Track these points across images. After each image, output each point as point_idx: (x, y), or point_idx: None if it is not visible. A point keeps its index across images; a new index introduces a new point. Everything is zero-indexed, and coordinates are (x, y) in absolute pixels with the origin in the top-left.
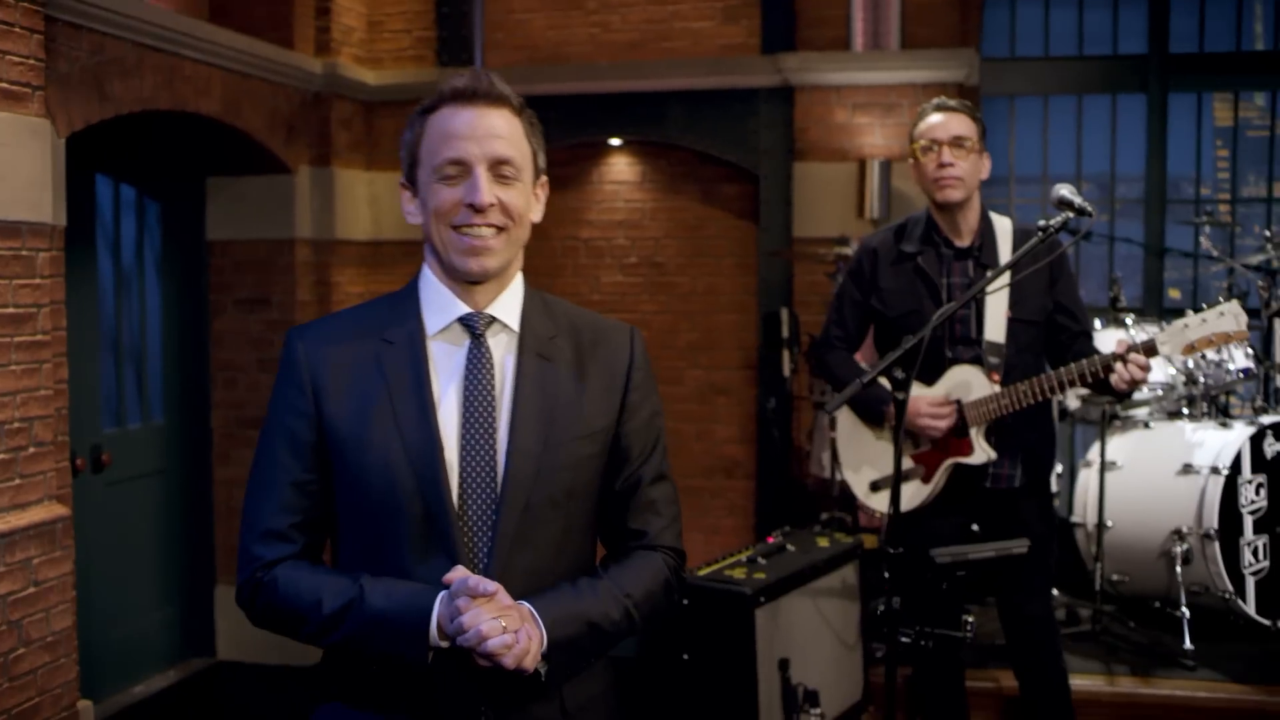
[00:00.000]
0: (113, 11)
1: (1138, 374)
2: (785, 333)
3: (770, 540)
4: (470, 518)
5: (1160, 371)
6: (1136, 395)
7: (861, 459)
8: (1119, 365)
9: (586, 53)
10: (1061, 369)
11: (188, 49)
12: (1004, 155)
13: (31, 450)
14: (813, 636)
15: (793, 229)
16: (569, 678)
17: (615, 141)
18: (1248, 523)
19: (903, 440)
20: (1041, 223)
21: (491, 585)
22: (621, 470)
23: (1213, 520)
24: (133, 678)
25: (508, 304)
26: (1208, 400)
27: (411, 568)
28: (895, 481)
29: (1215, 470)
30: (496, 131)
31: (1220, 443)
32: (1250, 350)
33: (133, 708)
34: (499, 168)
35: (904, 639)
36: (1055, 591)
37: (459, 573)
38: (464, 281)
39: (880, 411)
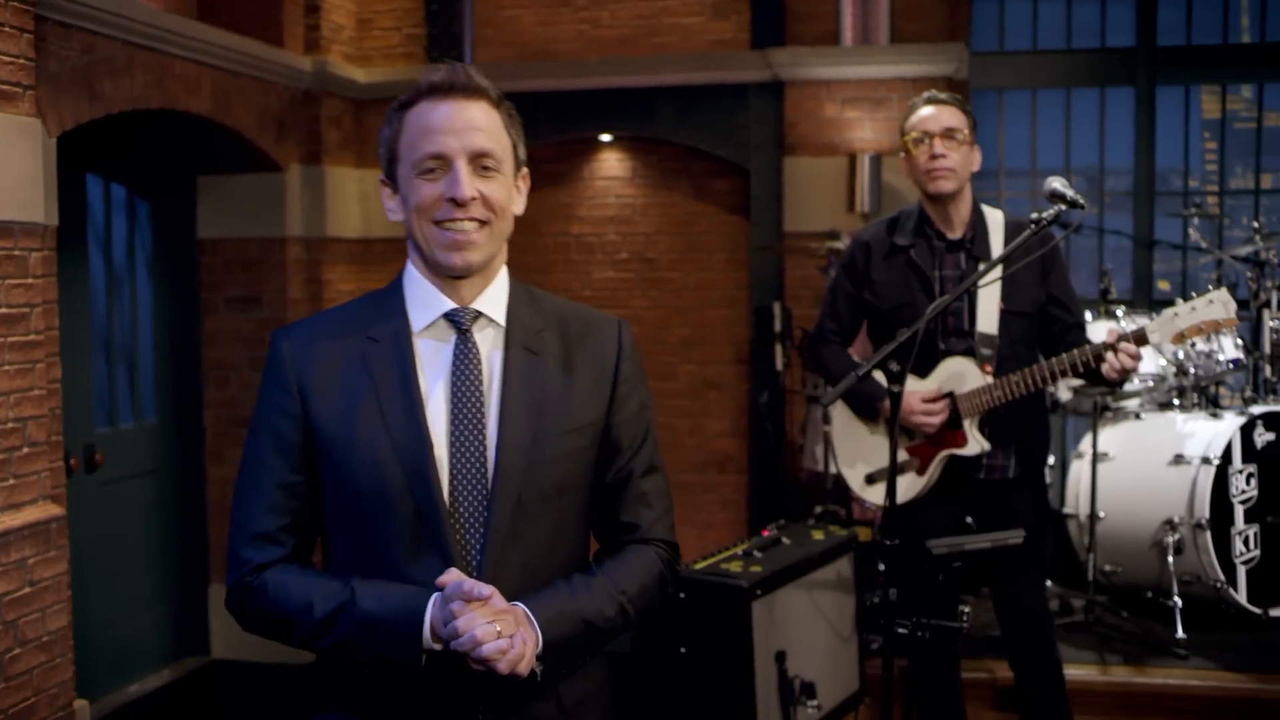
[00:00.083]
0: (102, 10)
1: (1128, 363)
2: (778, 327)
3: (766, 533)
4: (461, 515)
5: (1151, 363)
6: (1127, 386)
7: (857, 453)
8: (1110, 354)
9: (576, 49)
10: (1053, 359)
11: (177, 48)
12: (993, 149)
13: (26, 450)
14: (809, 629)
15: (783, 223)
16: (565, 677)
17: (606, 137)
18: (1238, 512)
19: (896, 435)
20: (1034, 215)
21: (486, 589)
22: (612, 463)
23: (1204, 510)
24: (127, 677)
25: (493, 298)
26: (1198, 391)
27: (403, 567)
28: (891, 474)
29: (1206, 460)
30: (475, 124)
31: (1211, 433)
32: (1240, 341)
33: (128, 707)
34: (479, 160)
35: (900, 630)
36: (1049, 582)
37: (452, 576)
38: (448, 277)
39: (875, 408)
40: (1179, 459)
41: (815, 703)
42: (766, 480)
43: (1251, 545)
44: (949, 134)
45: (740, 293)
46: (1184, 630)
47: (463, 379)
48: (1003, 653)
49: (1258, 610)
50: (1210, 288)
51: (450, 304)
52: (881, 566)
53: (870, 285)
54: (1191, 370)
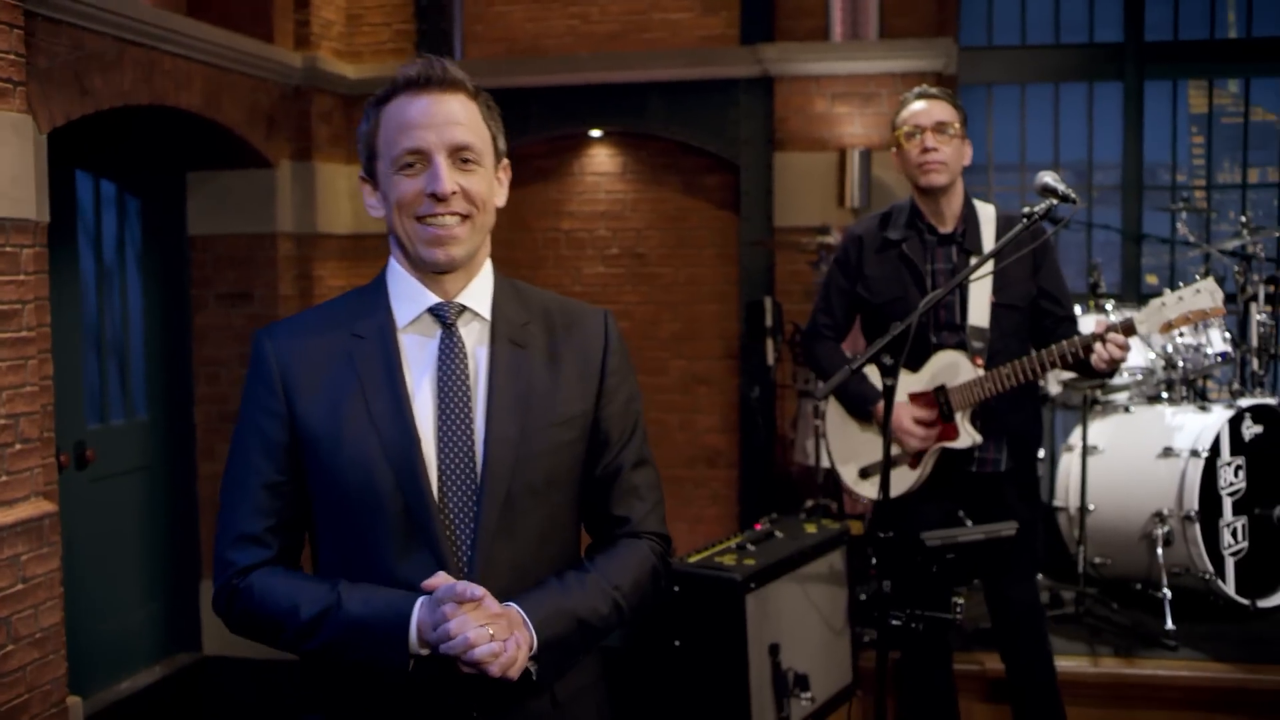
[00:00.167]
0: (92, 6)
1: (1116, 353)
2: (768, 322)
3: (758, 527)
4: (451, 511)
5: (1140, 356)
6: (1116, 380)
7: (850, 448)
8: (1098, 345)
9: (566, 45)
10: (1043, 350)
11: (167, 43)
12: (982, 143)
13: (18, 447)
14: (802, 622)
15: (774, 219)
16: (560, 676)
17: (596, 133)
18: (1227, 504)
19: (891, 428)
20: (1026, 209)
21: (478, 590)
22: (601, 456)
23: (1193, 502)
24: (119, 673)
25: (478, 292)
26: (1186, 384)
27: (393, 564)
28: (885, 468)
29: (1195, 453)
30: (454, 118)
31: (1199, 426)
32: (1227, 334)
33: (120, 703)
34: (459, 154)
35: (895, 621)
36: (1039, 575)
37: (441, 579)
38: (432, 272)
39: (868, 411)
40: (1168, 452)
41: (809, 695)
42: (757, 475)
43: (1240, 537)
44: (941, 128)
45: (730, 288)
46: (1173, 621)
47: (449, 374)
48: (994, 645)
49: (1246, 601)
50: (1198, 277)
51: (434, 298)
52: (875, 559)
53: (863, 280)
54: (1180, 364)
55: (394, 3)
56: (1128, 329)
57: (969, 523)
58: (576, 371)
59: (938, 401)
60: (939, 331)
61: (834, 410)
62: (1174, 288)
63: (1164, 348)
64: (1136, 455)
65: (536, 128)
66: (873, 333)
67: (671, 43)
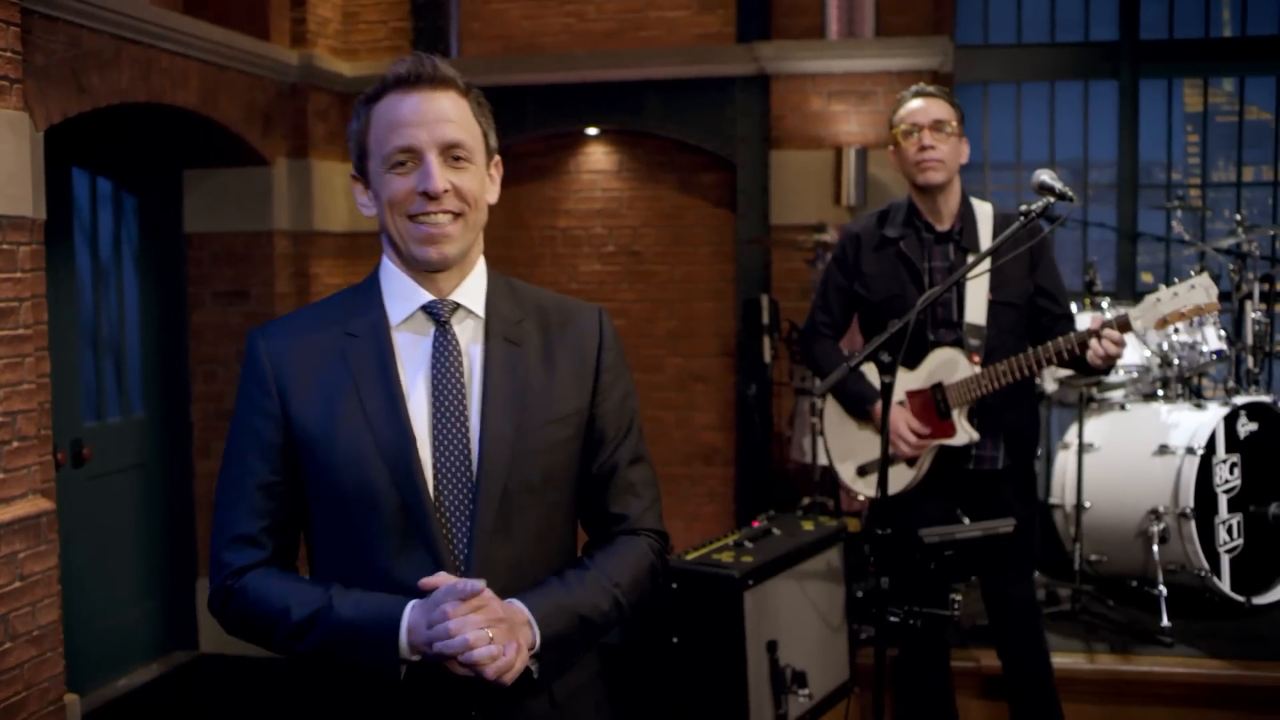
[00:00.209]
0: (89, 4)
1: (1112, 349)
2: (765, 319)
3: (756, 524)
4: (447, 509)
5: (1135, 354)
6: (1112, 377)
7: (848, 445)
8: (1094, 341)
9: (563, 42)
10: (1038, 347)
11: (164, 41)
12: (978, 141)
13: (15, 445)
14: (799, 618)
15: (770, 217)
16: (560, 673)
17: (592, 131)
18: (1222, 502)
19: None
20: (1023, 207)
21: (479, 584)
22: (598, 454)
23: (1188, 500)
24: (116, 671)
25: (471, 289)
26: (1182, 382)
27: (390, 564)
28: (882, 466)
29: (1190, 450)
30: (445, 115)
31: (1195, 423)
32: (1223, 332)
33: (117, 701)
34: (450, 152)
35: (893, 618)
36: (1036, 573)
37: (439, 579)
38: (425, 270)
39: (866, 410)
40: (1163, 449)
41: (806, 691)
42: (754, 472)
43: (1235, 534)
44: (938, 126)
45: (727, 285)
46: (1169, 618)
47: (443, 371)
48: (991, 642)
49: (1241, 598)
50: (1193, 274)
51: (428, 296)
52: (873, 556)
53: (860, 277)
54: (1175, 361)
55: (390, 0)
56: (1123, 325)
57: (966, 520)
58: (571, 369)
59: (935, 399)
60: (936, 329)
61: (832, 408)
62: (1169, 285)
63: (1159, 345)
64: (1132, 453)
65: (533, 126)
66: (871, 330)
67: (668, 41)
